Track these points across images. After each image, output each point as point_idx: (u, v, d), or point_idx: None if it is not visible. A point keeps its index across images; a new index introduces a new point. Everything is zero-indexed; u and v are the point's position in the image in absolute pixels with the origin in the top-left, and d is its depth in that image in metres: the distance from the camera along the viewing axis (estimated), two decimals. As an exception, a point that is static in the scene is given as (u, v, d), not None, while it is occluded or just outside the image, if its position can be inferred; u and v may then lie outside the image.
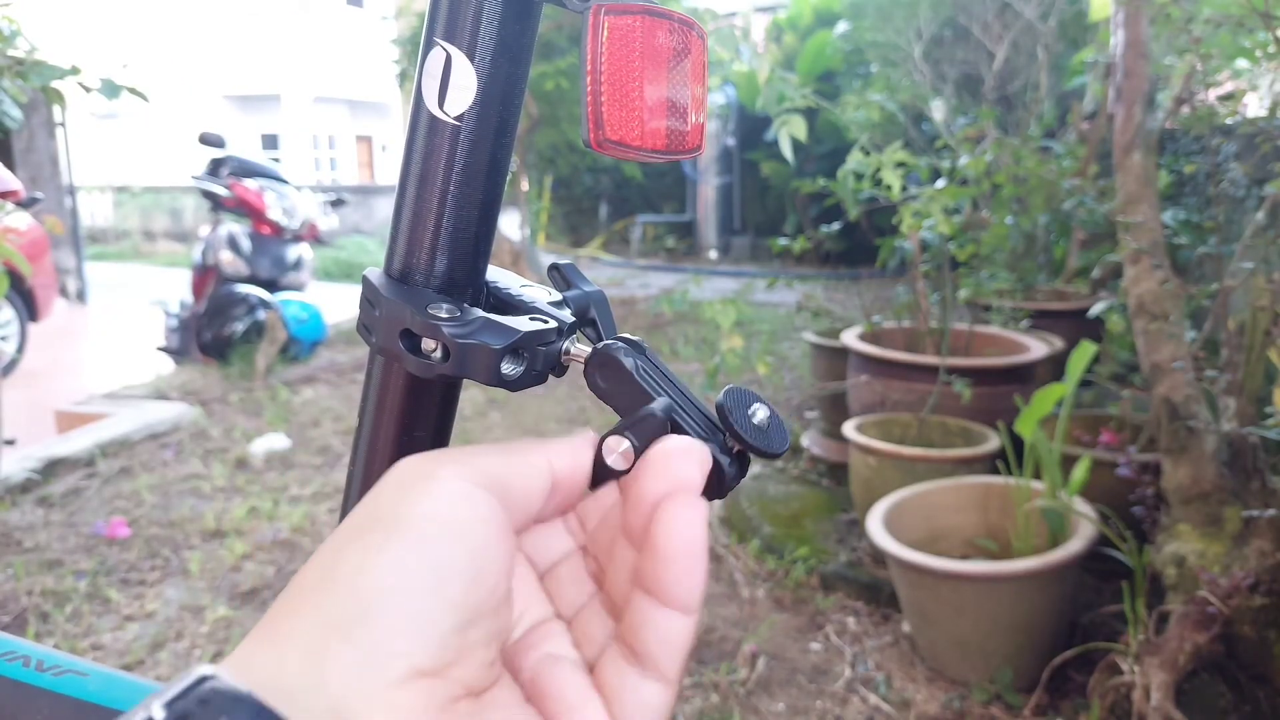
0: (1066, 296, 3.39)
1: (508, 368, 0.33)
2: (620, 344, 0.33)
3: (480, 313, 0.34)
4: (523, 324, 0.34)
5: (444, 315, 0.33)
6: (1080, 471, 1.78)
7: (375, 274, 0.37)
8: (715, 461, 0.30)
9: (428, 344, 0.34)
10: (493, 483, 0.26)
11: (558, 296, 0.38)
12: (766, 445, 0.30)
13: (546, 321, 0.35)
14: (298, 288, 4.64)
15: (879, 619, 1.99)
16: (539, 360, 0.34)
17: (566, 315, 0.36)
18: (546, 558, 0.30)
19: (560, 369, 0.35)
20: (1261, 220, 1.77)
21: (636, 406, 0.31)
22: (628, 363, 0.32)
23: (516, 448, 0.28)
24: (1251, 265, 1.69)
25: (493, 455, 0.27)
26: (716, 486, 0.30)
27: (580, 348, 0.35)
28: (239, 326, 4.23)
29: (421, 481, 0.25)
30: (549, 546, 0.30)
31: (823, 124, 6.36)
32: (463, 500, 0.25)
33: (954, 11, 4.66)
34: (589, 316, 0.37)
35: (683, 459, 0.27)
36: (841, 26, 7.20)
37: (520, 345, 0.33)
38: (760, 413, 0.31)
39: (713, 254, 9.51)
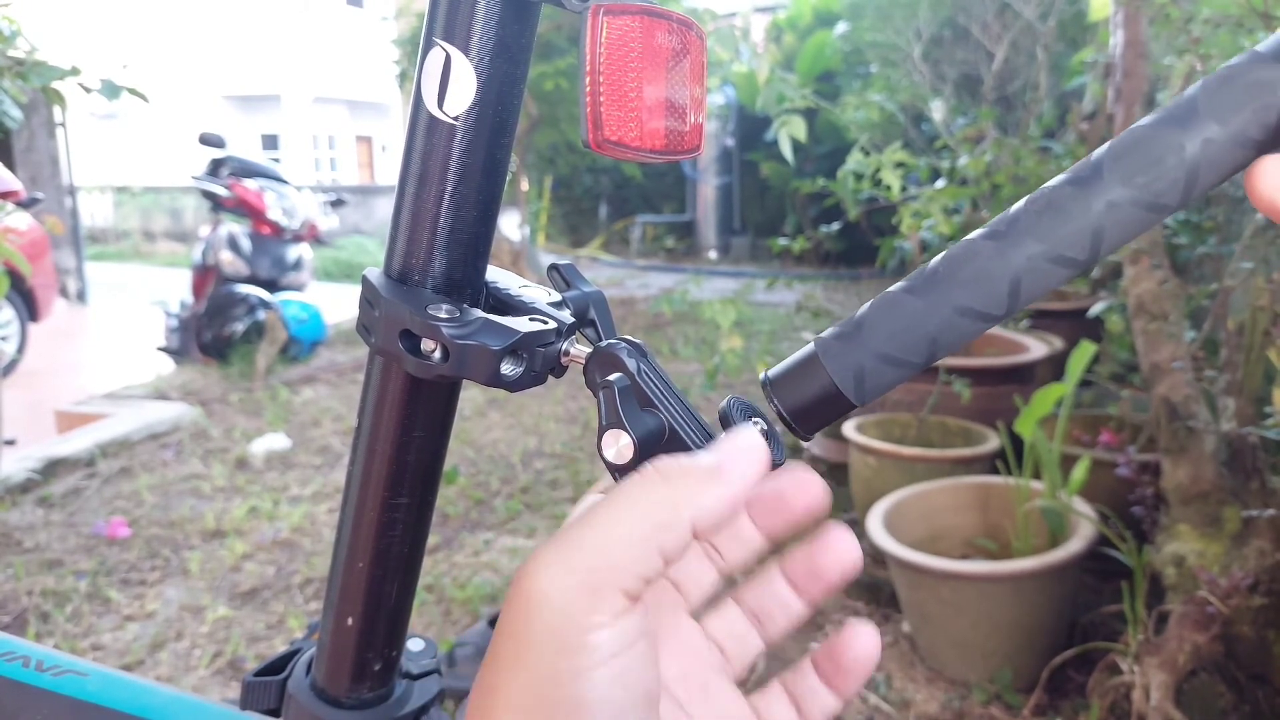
0: (1066, 296, 3.39)
1: (507, 368, 0.34)
2: (623, 344, 0.33)
3: (480, 313, 0.34)
4: (522, 325, 0.34)
5: (443, 316, 0.33)
6: (1080, 471, 1.78)
7: (375, 274, 0.37)
8: None
9: (427, 344, 0.34)
10: (639, 594, 0.25)
11: (557, 297, 0.38)
12: None
13: (546, 322, 0.35)
14: (298, 288, 4.64)
15: (879, 619, 1.99)
16: (538, 361, 0.34)
17: (566, 316, 0.36)
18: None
19: (559, 369, 0.35)
20: (1261, 220, 1.77)
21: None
22: (630, 364, 0.32)
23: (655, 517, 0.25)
24: (1251, 265, 1.69)
25: (635, 559, 0.24)
26: None
27: (579, 348, 0.35)
28: (239, 326, 4.23)
29: (579, 653, 0.23)
30: None
31: (823, 124, 6.35)
32: (620, 646, 0.24)
33: (953, 12, 4.65)
34: (588, 317, 0.37)
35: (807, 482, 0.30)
36: (841, 27, 7.20)
37: (519, 346, 0.33)
38: (761, 424, 0.31)
39: (712, 254, 9.51)
